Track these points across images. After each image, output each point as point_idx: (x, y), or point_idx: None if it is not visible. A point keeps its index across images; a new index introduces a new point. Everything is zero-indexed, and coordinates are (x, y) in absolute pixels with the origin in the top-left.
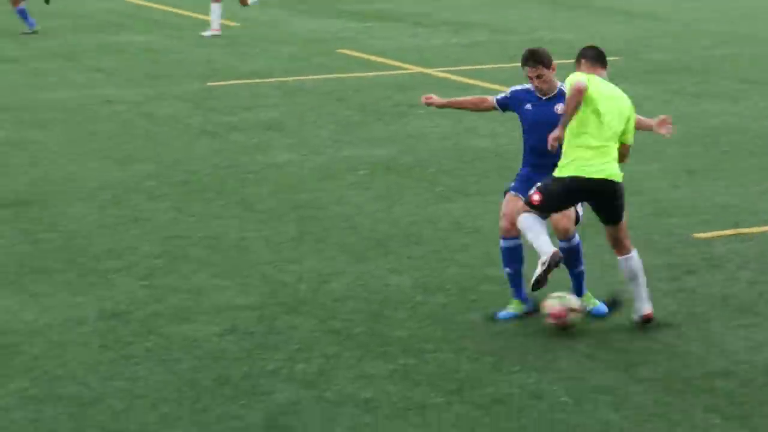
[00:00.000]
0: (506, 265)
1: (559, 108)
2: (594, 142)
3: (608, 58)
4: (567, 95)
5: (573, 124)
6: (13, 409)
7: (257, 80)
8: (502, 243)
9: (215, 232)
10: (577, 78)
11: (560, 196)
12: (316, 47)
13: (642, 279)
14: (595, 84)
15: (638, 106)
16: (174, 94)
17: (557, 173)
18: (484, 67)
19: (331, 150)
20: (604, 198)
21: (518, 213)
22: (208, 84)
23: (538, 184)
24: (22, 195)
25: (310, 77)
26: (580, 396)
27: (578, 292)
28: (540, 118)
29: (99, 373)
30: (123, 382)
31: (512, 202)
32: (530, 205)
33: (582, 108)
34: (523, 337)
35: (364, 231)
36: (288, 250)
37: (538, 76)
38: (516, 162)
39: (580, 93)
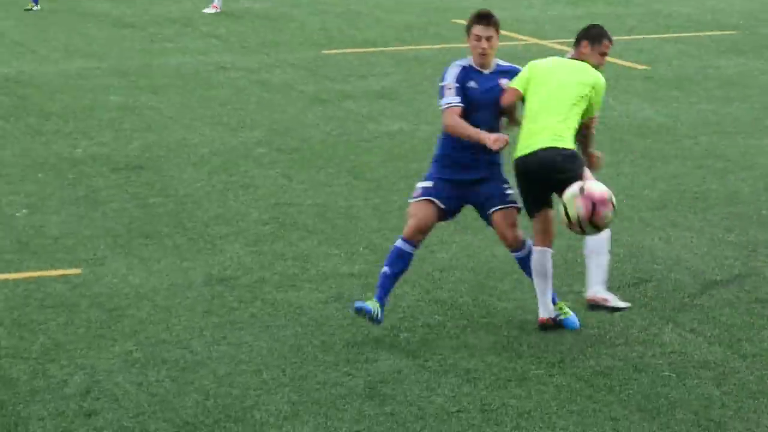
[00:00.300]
0: (388, 264)
1: (504, 82)
2: (534, 126)
3: (725, 32)
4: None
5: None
6: (117, 372)
7: (372, 49)
8: (398, 243)
9: (324, 199)
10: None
11: (523, 183)
12: (431, 17)
13: (550, 280)
14: (535, 69)
15: (754, 80)
16: (289, 61)
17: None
18: None
19: None
20: (546, 169)
21: (428, 221)
22: (323, 52)
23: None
24: (134, 159)
25: (425, 47)
26: (683, 371)
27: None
28: (488, 95)
29: (203, 338)
30: (227, 348)
31: (425, 208)
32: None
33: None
34: (628, 311)
35: None
36: (396, 219)
37: (489, 38)
38: (631, 134)
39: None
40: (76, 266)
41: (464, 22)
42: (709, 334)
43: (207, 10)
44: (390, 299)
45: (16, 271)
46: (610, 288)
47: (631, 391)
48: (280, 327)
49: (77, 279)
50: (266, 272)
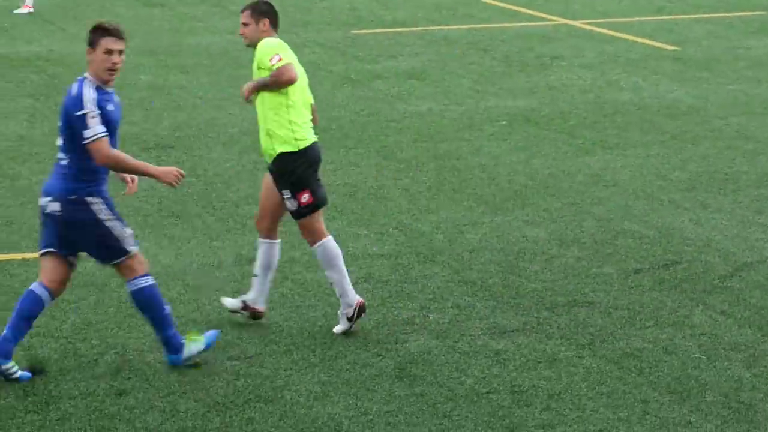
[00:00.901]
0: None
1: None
2: (304, 116)
3: (755, 13)
4: (275, 74)
5: (277, 99)
6: (148, 351)
7: (401, 29)
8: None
9: (353, 180)
10: (289, 66)
11: (315, 172)
12: None
13: (342, 267)
14: (290, 54)
15: None
16: (318, 41)
17: (296, 148)
18: (630, 19)
19: (472, 100)
20: (317, 163)
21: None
22: (352, 32)
23: (293, 182)
24: (164, 139)
25: (455, 27)
26: (713, 353)
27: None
28: (119, 117)
29: (233, 318)
30: (256, 327)
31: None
32: (305, 211)
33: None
34: (658, 292)
35: (501, 182)
36: (425, 199)
37: (120, 53)
38: (659, 116)
39: (288, 84)
40: None
41: (494, 3)
42: (739, 316)
43: (19, 11)
44: (419, 280)
45: None
46: (640, 270)
47: (661, 373)
48: (309, 307)
49: None
50: (296, 252)
